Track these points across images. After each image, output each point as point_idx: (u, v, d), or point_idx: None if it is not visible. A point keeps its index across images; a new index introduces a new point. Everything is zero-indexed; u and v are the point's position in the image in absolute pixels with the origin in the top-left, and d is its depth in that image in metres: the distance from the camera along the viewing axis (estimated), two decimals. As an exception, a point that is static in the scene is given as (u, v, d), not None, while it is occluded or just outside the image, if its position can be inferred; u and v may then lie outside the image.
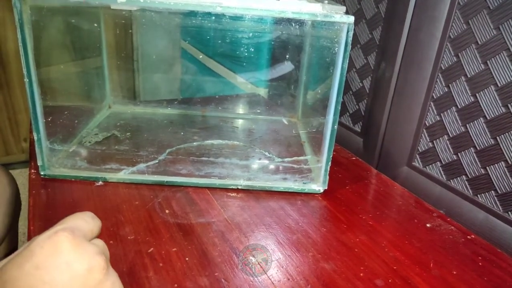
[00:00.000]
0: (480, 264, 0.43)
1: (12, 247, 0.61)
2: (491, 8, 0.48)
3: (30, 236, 0.42)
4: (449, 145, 0.57)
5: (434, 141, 0.59)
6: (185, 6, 0.45)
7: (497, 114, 0.50)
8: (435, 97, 0.58)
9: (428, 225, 0.49)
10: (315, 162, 0.58)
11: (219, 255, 0.41)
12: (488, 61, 0.50)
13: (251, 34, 0.67)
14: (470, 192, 0.55)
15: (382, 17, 0.66)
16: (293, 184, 0.54)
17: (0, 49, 1.27)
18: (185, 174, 0.55)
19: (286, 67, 0.80)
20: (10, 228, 0.59)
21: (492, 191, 0.52)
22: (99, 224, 0.32)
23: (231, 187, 0.53)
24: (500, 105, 0.49)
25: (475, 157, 0.53)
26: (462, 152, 0.55)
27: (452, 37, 0.54)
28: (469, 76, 0.52)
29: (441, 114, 0.57)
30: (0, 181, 0.60)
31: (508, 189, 0.50)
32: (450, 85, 0.55)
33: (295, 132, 0.74)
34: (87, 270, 0.27)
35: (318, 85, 0.66)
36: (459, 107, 0.54)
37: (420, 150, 0.61)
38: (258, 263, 0.40)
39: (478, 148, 0.52)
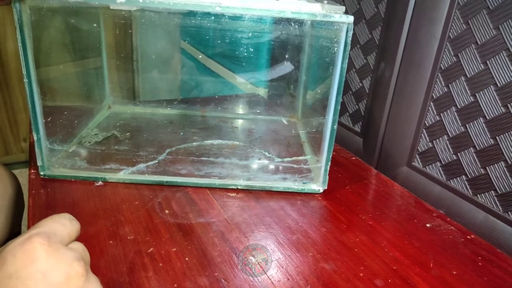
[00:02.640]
0: (480, 264, 0.43)
1: None
2: (491, 8, 0.48)
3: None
4: (448, 145, 0.57)
5: (433, 141, 0.59)
6: (184, 6, 0.45)
7: (496, 114, 0.50)
8: (434, 97, 0.58)
9: (428, 225, 0.49)
10: (315, 162, 0.58)
11: (219, 255, 0.41)
12: (487, 61, 0.50)
13: (250, 34, 0.67)
14: (470, 192, 0.55)
15: (382, 17, 0.66)
16: (293, 184, 0.54)
17: (0, 49, 1.27)
18: (185, 174, 0.55)
19: (286, 67, 0.80)
20: (13, 228, 0.59)
21: (492, 191, 0.52)
22: (77, 226, 0.30)
23: (231, 187, 0.53)
24: (500, 105, 0.49)
25: (475, 157, 0.53)
26: (462, 152, 0.55)
27: (451, 37, 0.54)
28: (468, 76, 0.52)
29: (441, 114, 0.57)
30: (2, 181, 0.60)
31: (508, 189, 0.50)
32: (449, 85, 0.55)
33: (295, 132, 0.74)
34: (65, 279, 0.25)
35: (318, 85, 0.66)
36: (459, 107, 0.54)
37: (420, 150, 0.61)
38: (258, 263, 0.40)
39: (478, 148, 0.53)
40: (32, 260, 0.25)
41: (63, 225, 0.29)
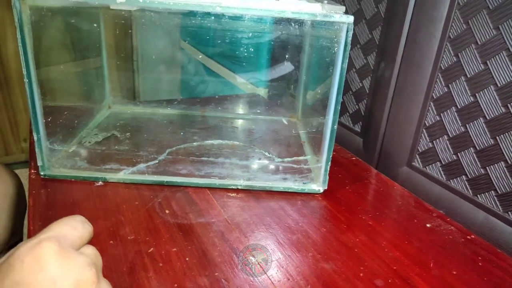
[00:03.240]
0: (480, 264, 0.43)
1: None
2: (491, 8, 0.48)
3: (30, 237, 0.42)
4: (449, 145, 0.57)
5: (434, 141, 0.59)
6: (184, 6, 0.45)
7: (496, 114, 0.50)
8: (435, 97, 0.58)
9: (428, 225, 0.49)
10: (315, 162, 0.58)
11: (219, 255, 0.41)
12: (487, 61, 0.50)
13: (251, 34, 0.67)
14: (470, 192, 0.55)
15: (382, 17, 0.66)
16: (293, 184, 0.54)
17: (0, 49, 1.27)
18: (185, 174, 0.55)
19: (286, 67, 0.80)
20: (15, 229, 0.59)
21: (492, 191, 0.52)
22: (90, 229, 0.29)
23: (231, 187, 0.53)
24: (500, 105, 0.49)
25: (475, 157, 0.53)
26: (462, 152, 0.55)
27: (451, 37, 0.54)
28: (468, 76, 0.52)
29: (441, 114, 0.57)
30: (4, 181, 0.60)
31: (508, 189, 0.50)
32: (449, 85, 0.55)
33: (295, 132, 0.74)
34: (75, 286, 0.24)
35: (318, 85, 0.66)
36: (459, 107, 0.54)
37: (420, 150, 0.61)
38: (258, 263, 0.40)
39: (478, 148, 0.53)
40: (40, 266, 0.23)
41: (75, 228, 0.27)
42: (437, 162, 0.59)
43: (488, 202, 0.52)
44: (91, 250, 0.28)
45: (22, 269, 0.23)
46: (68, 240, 0.26)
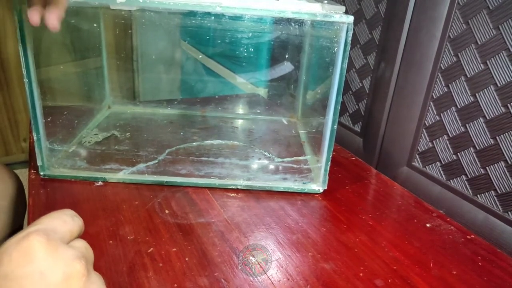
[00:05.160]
0: (479, 264, 0.43)
1: None
2: (491, 8, 0.48)
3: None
4: (448, 145, 0.57)
5: (433, 141, 0.59)
6: (184, 6, 0.45)
7: (496, 114, 0.50)
8: (434, 97, 0.58)
9: (428, 225, 0.49)
10: (315, 162, 0.58)
11: (219, 255, 0.41)
12: (487, 61, 0.50)
13: (250, 34, 0.67)
14: (470, 192, 0.55)
15: (382, 17, 0.66)
16: (293, 184, 0.54)
17: (0, 49, 1.27)
18: (185, 174, 0.55)
19: (286, 67, 0.80)
20: (15, 229, 0.59)
21: (492, 191, 0.52)
22: (79, 223, 0.28)
23: (231, 187, 0.53)
24: (500, 105, 0.49)
25: (475, 157, 0.53)
26: (462, 152, 0.55)
27: (451, 37, 0.54)
28: (468, 76, 0.52)
29: (441, 114, 0.57)
30: (3, 181, 0.60)
31: (508, 189, 0.50)
32: (449, 85, 0.55)
33: (295, 132, 0.74)
34: (64, 279, 0.24)
35: (318, 85, 0.66)
36: (459, 107, 0.54)
37: (420, 150, 0.61)
38: (258, 263, 0.40)
39: (478, 148, 0.52)
40: (29, 259, 0.23)
41: (64, 221, 0.27)
42: (437, 162, 0.59)
43: (488, 202, 0.52)
44: (81, 244, 0.28)
45: (10, 262, 0.23)
46: (57, 234, 0.26)
